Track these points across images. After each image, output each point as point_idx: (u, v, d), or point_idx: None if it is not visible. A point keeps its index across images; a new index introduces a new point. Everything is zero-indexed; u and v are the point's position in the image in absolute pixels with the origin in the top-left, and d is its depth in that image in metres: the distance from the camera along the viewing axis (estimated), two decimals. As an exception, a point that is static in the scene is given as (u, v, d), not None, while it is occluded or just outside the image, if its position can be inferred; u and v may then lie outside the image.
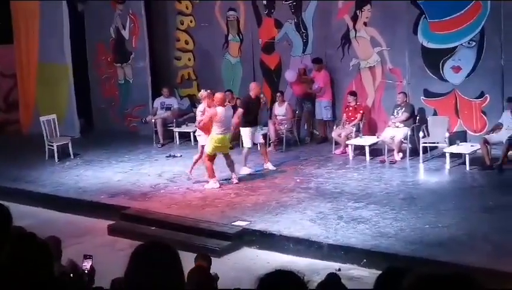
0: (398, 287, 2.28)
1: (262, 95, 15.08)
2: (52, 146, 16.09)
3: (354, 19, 15.67)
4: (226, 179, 13.52)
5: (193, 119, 17.67)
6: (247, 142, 14.06)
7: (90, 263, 6.07)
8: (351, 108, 15.25)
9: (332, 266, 9.67)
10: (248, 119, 13.99)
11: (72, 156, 16.15)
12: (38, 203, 13.40)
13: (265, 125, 16.24)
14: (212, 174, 13.19)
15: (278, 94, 16.24)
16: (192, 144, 16.90)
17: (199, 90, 17.96)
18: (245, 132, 14.06)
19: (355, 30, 15.69)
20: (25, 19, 19.02)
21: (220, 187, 13.13)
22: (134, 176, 14.48)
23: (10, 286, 3.19)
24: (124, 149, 16.58)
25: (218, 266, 9.09)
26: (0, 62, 19.68)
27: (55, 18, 18.27)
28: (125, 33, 18.70)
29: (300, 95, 16.47)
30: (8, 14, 19.06)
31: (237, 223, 11.26)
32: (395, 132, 14.36)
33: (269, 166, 14.29)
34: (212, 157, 13.17)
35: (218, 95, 13.25)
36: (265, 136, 15.98)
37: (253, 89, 14.27)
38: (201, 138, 13.46)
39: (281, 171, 14.11)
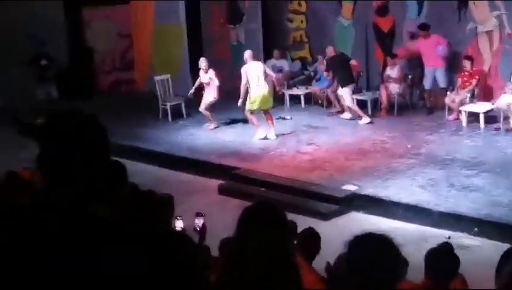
0: None
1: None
2: (166, 106, 16.44)
3: (473, -17, 15.18)
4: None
5: (304, 82, 17.70)
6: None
7: (202, 221, 6.21)
8: (466, 73, 14.84)
9: (442, 233, 9.55)
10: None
11: (185, 116, 16.46)
12: (151, 161, 13.74)
13: (377, 89, 16.06)
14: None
15: (388, 57, 16.01)
16: (303, 106, 16.94)
17: (311, 53, 18.01)
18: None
19: (473, -6, 15.22)
20: (142, -20, 19.37)
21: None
22: (244, 137, 14.63)
23: (128, 238, 3.29)
24: (235, 110, 16.72)
25: (326, 229, 9.12)
26: (117, 22, 20.17)
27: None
28: (239, -6, 18.78)
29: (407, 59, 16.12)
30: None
31: (346, 187, 11.25)
32: (511, 98, 13.91)
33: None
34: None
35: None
36: (376, 100, 15.84)
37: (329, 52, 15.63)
38: None
39: (392, 137, 13.94)
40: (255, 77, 14.17)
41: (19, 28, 17.92)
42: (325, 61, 16.09)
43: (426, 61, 15.49)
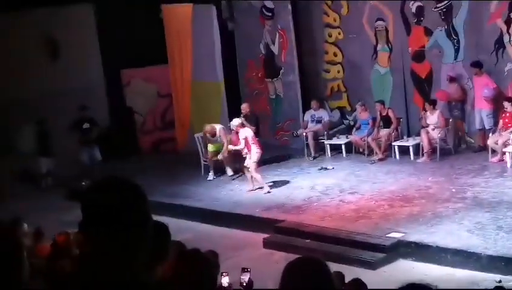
0: None
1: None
2: (207, 162, 16.53)
3: (508, 22, 15.14)
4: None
5: (344, 131, 17.71)
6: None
7: (248, 276, 6.20)
8: (507, 114, 14.72)
9: (492, 277, 9.40)
10: None
11: (226, 171, 16.51)
12: (195, 218, 13.80)
13: (418, 135, 15.98)
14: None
15: (427, 103, 15.96)
16: (344, 155, 16.91)
17: (349, 102, 18.05)
18: None
19: (509, 34, 15.15)
20: (178, 39, 19.64)
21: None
22: (287, 189, 14.63)
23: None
24: (276, 163, 16.77)
25: (373, 278, 9.05)
26: (157, 82, 20.44)
27: (207, 37, 18.78)
28: (275, 48, 18.97)
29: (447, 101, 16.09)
30: (162, 36, 19.75)
31: (392, 234, 11.15)
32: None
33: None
34: None
35: None
36: (418, 146, 15.75)
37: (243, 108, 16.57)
38: None
39: (436, 181, 13.82)
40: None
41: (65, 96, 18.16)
42: (243, 118, 16.26)
43: (475, 101, 15.47)
